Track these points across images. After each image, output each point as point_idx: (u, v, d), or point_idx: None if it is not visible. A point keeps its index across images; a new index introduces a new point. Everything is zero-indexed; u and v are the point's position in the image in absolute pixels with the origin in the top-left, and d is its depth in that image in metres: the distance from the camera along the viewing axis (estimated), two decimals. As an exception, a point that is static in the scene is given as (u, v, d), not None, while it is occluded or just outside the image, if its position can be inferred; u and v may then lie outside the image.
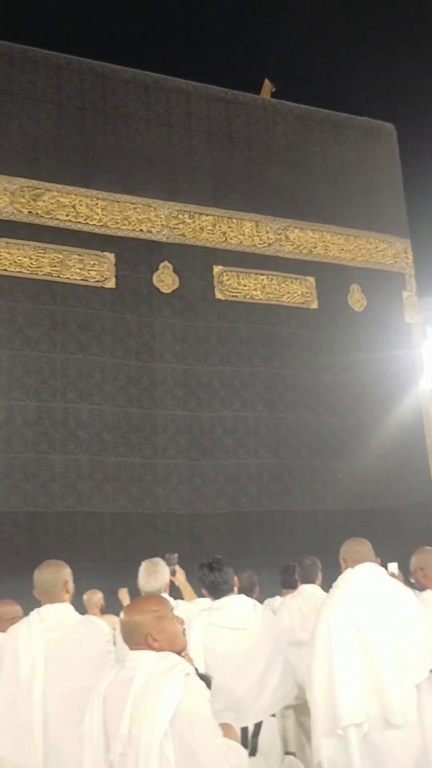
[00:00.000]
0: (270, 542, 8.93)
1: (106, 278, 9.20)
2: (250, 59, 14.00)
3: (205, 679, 2.13)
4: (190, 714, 1.93)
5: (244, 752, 2.11)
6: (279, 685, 2.93)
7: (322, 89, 13.17)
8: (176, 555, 4.19)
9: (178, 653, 2.12)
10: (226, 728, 2.14)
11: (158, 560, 3.67)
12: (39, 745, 2.52)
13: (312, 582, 4.37)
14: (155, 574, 3.56)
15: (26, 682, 2.59)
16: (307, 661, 2.89)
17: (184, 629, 2.24)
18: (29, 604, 3.05)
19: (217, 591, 3.09)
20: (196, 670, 2.14)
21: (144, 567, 3.61)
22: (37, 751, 2.51)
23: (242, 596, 3.13)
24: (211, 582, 3.09)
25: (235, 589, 3.15)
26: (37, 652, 2.64)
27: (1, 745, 2.58)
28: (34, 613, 2.82)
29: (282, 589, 5.05)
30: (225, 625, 2.97)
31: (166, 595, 3.48)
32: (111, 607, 5.39)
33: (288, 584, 4.89)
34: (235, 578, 3.17)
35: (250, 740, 2.78)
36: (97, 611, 5.33)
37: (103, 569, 7.05)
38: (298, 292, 10.26)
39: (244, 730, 2.77)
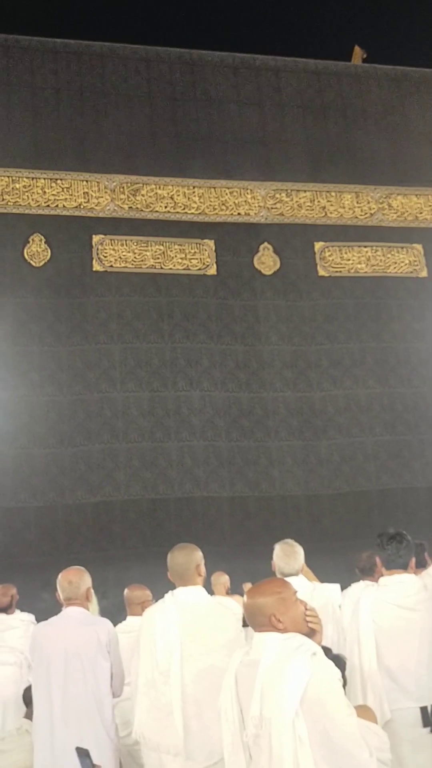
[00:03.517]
0: (392, 521, 8.63)
1: (207, 265, 9.25)
2: (337, 26, 13.57)
3: (339, 659, 2.08)
4: (318, 694, 1.90)
5: (384, 735, 2.05)
6: None
7: (415, 48, 12.55)
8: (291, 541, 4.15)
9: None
10: (364, 710, 2.09)
11: (292, 541, 3.65)
12: (179, 725, 2.57)
13: (442, 560, 4.20)
14: (293, 555, 3.56)
15: (164, 665, 2.65)
16: None
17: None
18: (156, 588, 3.12)
19: (389, 564, 3.09)
20: (329, 650, 2.10)
21: (280, 548, 3.59)
22: (178, 731, 2.57)
23: (413, 576, 3.08)
24: (386, 555, 3.09)
25: (410, 569, 3.09)
26: (173, 635, 2.69)
27: (144, 725, 2.67)
28: (169, 596, 2.89)
29: (410, 568, 4.87)
30: (394, 603, 2.94)
31: (302, 577, 3.48)
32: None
33: (417, 564, 4.69)
34: (413, 560, 3.13)
35: (431, 716, 2.75)
36: (224, 592, 5.42)
37: (224, 553, 7.14)
38: (406, 261, 9.86)
39: (424, 709, 2.75)
